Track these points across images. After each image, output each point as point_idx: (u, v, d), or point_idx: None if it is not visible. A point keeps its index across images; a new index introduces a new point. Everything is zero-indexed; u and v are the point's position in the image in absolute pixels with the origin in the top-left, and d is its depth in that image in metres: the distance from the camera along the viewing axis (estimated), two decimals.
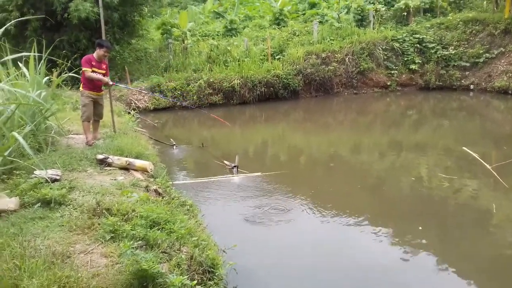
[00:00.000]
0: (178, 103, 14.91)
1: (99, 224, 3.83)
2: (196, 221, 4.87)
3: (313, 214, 6.26)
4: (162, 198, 5.22)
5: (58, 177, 5.10)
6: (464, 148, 9.06)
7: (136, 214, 4.02)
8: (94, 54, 7.30)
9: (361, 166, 9.11)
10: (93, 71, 7.21)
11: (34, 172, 4.99)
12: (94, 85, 7.37)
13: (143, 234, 3.54)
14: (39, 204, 4.22)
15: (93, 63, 7.23)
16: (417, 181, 7.75)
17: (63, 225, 3.81)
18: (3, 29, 4.27)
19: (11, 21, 14.22)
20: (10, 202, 4.18)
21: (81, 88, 7.42)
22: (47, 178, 4.76)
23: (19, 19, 13.07)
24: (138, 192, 4.94)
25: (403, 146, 10.59)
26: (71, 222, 3.87)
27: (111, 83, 7.65)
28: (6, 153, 4.40)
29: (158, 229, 3.87)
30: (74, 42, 15.76)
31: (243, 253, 4.77)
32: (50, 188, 4.48)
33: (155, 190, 5.43)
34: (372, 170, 8.78)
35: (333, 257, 5.16)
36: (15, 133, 4.70)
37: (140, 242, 3.47)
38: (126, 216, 3.99)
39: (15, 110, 5.01)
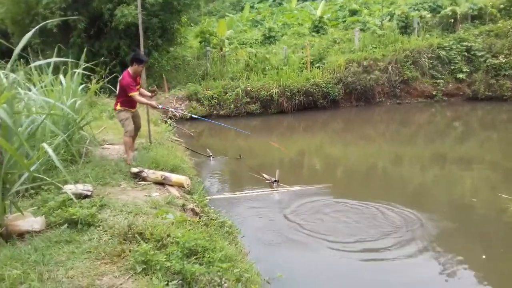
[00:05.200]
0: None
1: (130, 251, 3.39)
2: (237, 246, 4.38)
3: (363, 235, 5.66)
4: (200, 218, 4.77)
5: (89, 193, 4.74)
6: None
7: (171, 240, 3.56)
8: (130, 70, 6.60)
9: (408, 182, 8.57)
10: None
11: (64, 187, 4.63)
12: (133, 103, 6.82)
13: (179, 267, 3.07)
14: (66, 225, 3.84)
15: (134, 83, 6.63)
16: (477, 202, 7.07)
17: (90, 252, 3.40)
18: (32, 30, 3.91)
19: (52, 22, 14.33)
20: (35, 222, 3.81)
21: (118, 106, 6.73)
22: (74, 196, 4.36)
23: (61, 18, 13.01)
24: (174, 212, 4.50)
25: (449, 160, 9.96)
26: (99, 248, 3.45)
27: (160, 107, 7.12)
28: (33, 168, 4.04)
29: (196, 259, 3.40)
30: (114, 49, 15.72)
31: (289, 284, 4.24)
32: (80, 206, 4.10)
33: (192, 209, 4.98)
34: (421, 187, 8.20)
35: (385, 281, 4.66)
36: (44, 144, 4.34)
37: (175, 277, 3.00)
38: (161, 242, 3.54)
39: (43, 120, 4.68)
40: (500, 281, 4.86)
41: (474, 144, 11.62)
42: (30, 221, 3.81)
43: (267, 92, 15.59)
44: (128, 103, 6.71)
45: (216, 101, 15.58)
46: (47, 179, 4.14)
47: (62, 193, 4.50)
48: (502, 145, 11.41)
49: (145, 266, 3.15)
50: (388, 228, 5.92)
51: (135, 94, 6.53)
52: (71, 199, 4.27)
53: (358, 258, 5.21)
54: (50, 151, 4.14)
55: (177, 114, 14.69)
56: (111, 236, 3.70)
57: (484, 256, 5.31)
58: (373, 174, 9.13)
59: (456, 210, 6.82)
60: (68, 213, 3.93)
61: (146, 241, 3.55)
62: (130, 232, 3.67)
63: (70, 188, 4.57)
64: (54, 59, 4.93)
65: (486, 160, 9.84)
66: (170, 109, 8.04)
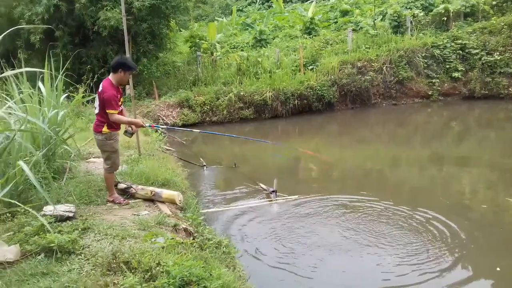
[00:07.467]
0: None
1: (114, 284, 2.98)
2: (235, 270, 3.97)
3: (379, 252, 5.29)
4: (194, 239, 4.35)
5: (71, 214, 4.32)
6: None
7: (161, 269, 3.16)
8: (113, 79, 5.10)
9: (411, 185, 8.32)
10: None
11: (44, 208, 4.22)
12: (119, 124, 5.31)
13: None
14: (43, 254, 3.42)
15: (119, 96, 5.17)
16: (488, 208, 6.72)
17: (69, 286, 2.99)
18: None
19: (36, 34, 14.03)
20: (8, 252, 3.40)
21: (105, 129, 5.08)
22: (54, 219, 3.94)
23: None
24: (165, 234, 4.08)
25: (450, 163, 9.66)
26: (79, 281, 3.04)
27: (147, 125, 5.92)
28: (4, 191, 3.62)
29: None
30: (102, 57, 15.32)
31: None
32: (59, 232, 3.68)
33: (185, 229, 4.56)
34: (426, 192, 7.79)
35: None
36: (21, 162, 3.95)
37: None
38: (149, 273, 3.12)
39: (13, 137, 4.24)
40: None
41: (474, 144, 11.36)
42: (3, 251, 3.40)
43: (261, 97, 15.19)
44: (116, 124, 5.21)
45: (208, 107, 15.14)
46: (18, 204, 3.70)
47: (42, 215, 4.08)
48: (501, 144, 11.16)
49: None
50: (398, 235, 5.61)
51: (114, 113, 4.96)
52: (51, 222, 3.87)
53: (364, 265, 4.85)
54: (26, 169, 3.76)
55: (169, 122, 14.26)
56: (93, 266, 3.29)
57: (498, 269, 4.96)
58: (372, 177, 8.88)
59: (466, 217, 6.45)
60: (45, 240, 3.51)
61: (132, 271, 3.15)
62: (114, 261, 3.26)
63: (49, 210, 4.17)
64: (28, 68, 4.51)
65: (485, 160, 9.57)
66: (162, 127, 7.25)
